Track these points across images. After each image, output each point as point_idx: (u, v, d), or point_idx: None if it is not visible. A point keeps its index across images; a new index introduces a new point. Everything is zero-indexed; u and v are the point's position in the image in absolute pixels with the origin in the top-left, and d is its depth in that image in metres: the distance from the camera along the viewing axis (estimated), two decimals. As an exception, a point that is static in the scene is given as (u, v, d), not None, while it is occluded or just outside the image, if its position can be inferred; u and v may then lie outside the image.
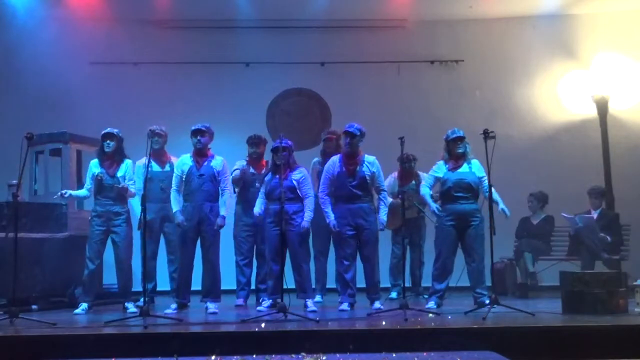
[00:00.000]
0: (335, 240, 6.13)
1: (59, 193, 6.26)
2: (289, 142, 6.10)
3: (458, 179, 5.95)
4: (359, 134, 5.98)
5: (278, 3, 8.51)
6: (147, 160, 5.70)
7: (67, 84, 8.27)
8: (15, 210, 5.49)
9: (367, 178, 5.99)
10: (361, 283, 6.20)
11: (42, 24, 8.39)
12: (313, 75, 9.02)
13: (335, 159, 6.12)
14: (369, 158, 6.08)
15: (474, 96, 9.01)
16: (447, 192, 5.99)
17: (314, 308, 5.93)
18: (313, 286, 6.53)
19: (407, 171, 7.14)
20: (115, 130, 6.20)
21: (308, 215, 5.99)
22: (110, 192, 6.13)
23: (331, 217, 5.97)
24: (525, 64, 9.02)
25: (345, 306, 5.90)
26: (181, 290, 6.15)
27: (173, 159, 6.63)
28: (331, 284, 7.05)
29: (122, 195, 6.19)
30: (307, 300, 6.03)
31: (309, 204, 6.03)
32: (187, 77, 8.86)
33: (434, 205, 6.09)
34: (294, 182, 6.01)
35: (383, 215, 6.03)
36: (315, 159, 6.96)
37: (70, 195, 6.30)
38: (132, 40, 8.74)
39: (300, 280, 6.07)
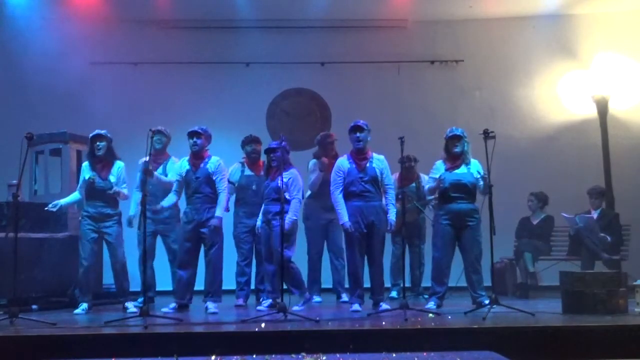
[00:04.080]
0: (346, 240, 6.03)
1: (49, 206, 6.11)
2: (282, 143, 6.15)
3: (454, 180, 5.94)
4: (366, 127, 5.98)
5: (278, 3, 8.50)
6: (146, 161, 5.70)
7: (67, 84, 8.27)
8: (15, 210, 5.49)
9: (378, 175, 5.95)
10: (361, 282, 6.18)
11: (43, 24, 8.40)
12: (313, 75, 9.02)
13: (343, 158, 6.09)
14: (377, 156, 6.06)
15: (474, 96, 9.02)
16: (444, 192, 5.98)
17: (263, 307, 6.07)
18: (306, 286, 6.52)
19: (408, 172, 7.14)
20: (103, 131, 6.16)
21: (289, 217, 5.93)
22: (102, 194, 6.12)
23: (345, 218, 5.87)
24: (525, 64, 9.02)
25: (357, 307, 5.84)
26: (180, 291, 6.15)
27: (174, 159, 6.64)
28: (326, 284, 7.08)
29: (113, 198, 6.19)
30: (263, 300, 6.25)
31: (293, 206, 6.02)
32: (187, 77, 8.86)
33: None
34: (280, 183, 5.99)
35: (392, 215, 5.94)
36: (313, 160, 6.95)
37: (61, 206, 6.19)
38: (132, 40, 8.75)
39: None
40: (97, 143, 6.12)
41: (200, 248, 6.15)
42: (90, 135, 6.17)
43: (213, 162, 6.13)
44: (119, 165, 6.24)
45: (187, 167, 6.13)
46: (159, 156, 6.64)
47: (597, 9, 8.79)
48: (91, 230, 6.11)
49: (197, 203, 6.05)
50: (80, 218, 6.22)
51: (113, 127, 6.38)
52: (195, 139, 6.07)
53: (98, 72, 8.61)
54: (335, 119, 8.89)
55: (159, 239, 6.80)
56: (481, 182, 5.88)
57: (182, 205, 6.36)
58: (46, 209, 6.19)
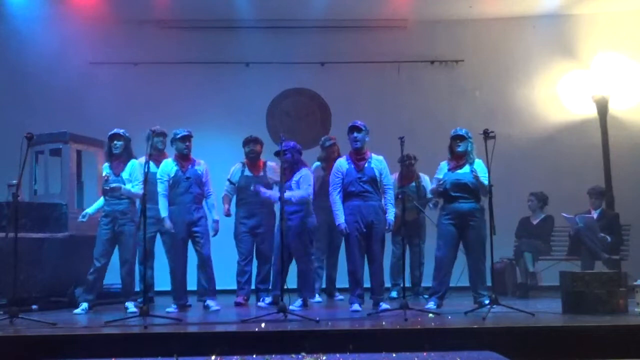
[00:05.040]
0: (345, 240, 6.02)
1: (80, 218, 6.36)
2: (291, 144, 6.16)
3: (455, 180, 5.93)
4: (364, 128, 5.97)
5: (278, 3, 8.50)
6: (146, 161, 5.69)
7: (67, 84, 8.29)
8: (15, 210, 5.48)
9: (376, 175, 5.94)
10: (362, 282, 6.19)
11: (43, 23, 8.41)
12: (313, 75, 9.02)
13: (342, 158, 6.09)
14: (376, 156, 6.05)
15: (474, 96, 9.01)
16: (446, 192, 5.99)
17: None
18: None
19: (408, 171, 7.14)
20: (121, 131, 6.22)
21: (293, 194, 6.08)
22: (116, 191, 6.15)
23: (341, 220, 5.87)
24: (525, 64, 9.02)
25: (357, 307, 5.83)
26: (178, 293, 6.20)
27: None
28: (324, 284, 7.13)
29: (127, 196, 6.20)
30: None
31: (299, 191, 6.13)
32: (187, 77, 8.86)
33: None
34: (293, 183, 6.09)
35: (391, 215, 5.95)
36: (317, 163, 7.02)
37: (89, 215, 6.34)
38: (132, 40, 8.75)
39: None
40: (115, 142, 6.19)
41: (188, 246, 6.21)
42: (109, 133, 6.23)
43: (202, 165, 6.28)
44: (132, 163, 6.28)
45: (176, 167, 6.18)
46: (160, 156, 6.64)
47: (597, 9, 8.79)
48: (107, 230, 6.13)
49: (186, 203, 6.11)
50: (99, 217, 6.25)
51: (113, 127, 6.37)
52: (187, 143, 6.18)
53: (98, 72, 8.63)
54: (335, 119, 8.90)
55: (158, 239, 6.80)
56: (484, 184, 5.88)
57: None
58: (78, 220, 6.38)
